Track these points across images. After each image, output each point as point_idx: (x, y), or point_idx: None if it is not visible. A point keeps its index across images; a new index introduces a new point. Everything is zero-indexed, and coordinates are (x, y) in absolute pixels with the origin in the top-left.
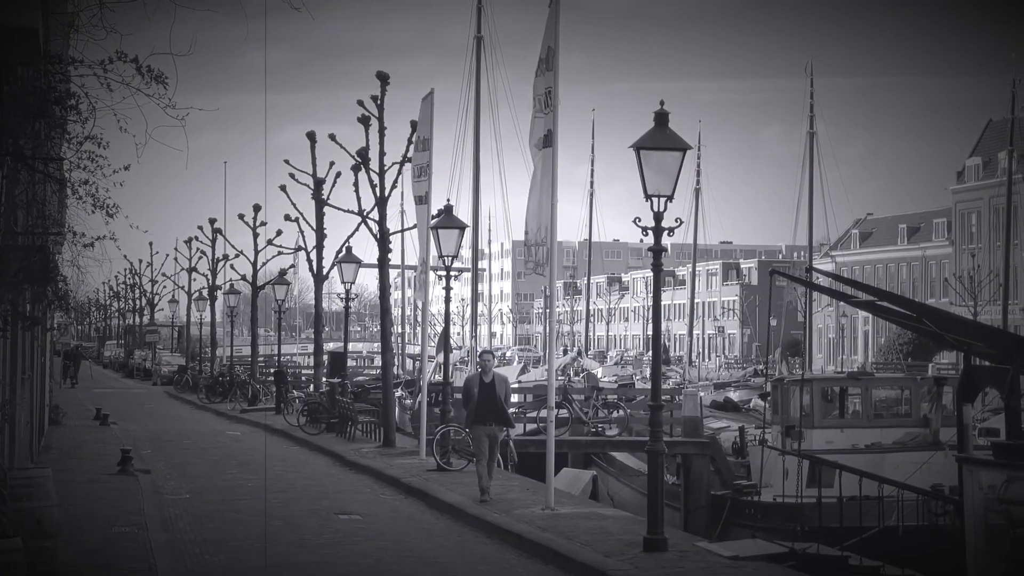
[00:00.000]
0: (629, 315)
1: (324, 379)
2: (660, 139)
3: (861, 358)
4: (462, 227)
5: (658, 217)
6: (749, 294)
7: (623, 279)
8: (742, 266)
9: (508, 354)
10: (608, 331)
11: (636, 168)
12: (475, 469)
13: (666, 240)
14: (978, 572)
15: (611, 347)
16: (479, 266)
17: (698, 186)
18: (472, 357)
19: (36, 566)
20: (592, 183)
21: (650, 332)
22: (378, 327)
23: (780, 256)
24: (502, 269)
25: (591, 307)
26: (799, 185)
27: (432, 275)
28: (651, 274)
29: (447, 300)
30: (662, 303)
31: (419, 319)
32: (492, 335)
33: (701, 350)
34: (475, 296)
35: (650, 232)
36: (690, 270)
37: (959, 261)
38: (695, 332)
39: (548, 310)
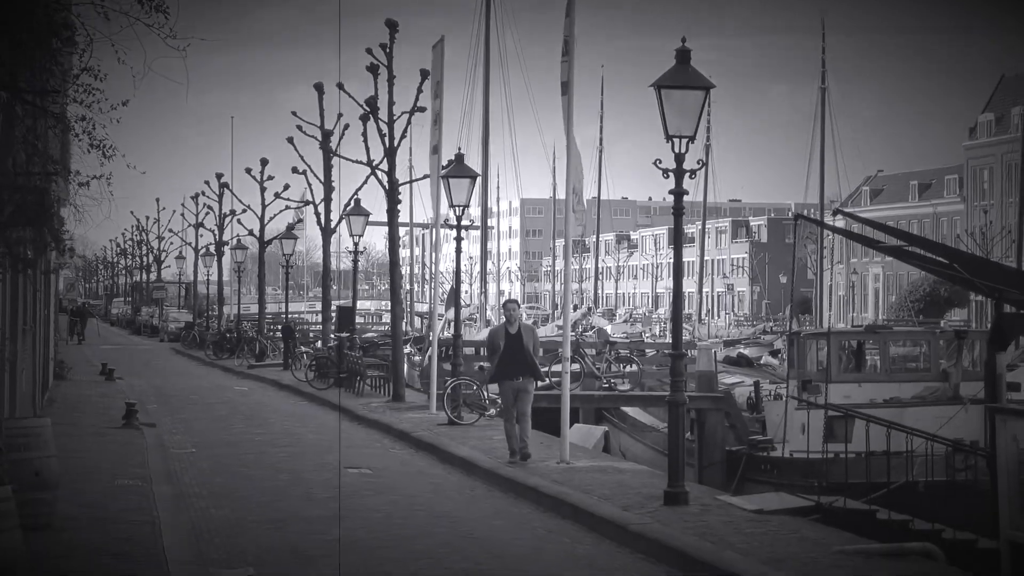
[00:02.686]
0: (638, 273)
1: (332, 334)
2: (682, 77)
3: (871, 316)
4: (473, 176)
5: (679, 158)
6: (759, 251)
7: (632, 237)
8: (752, 223)
9: None
10: (617, 289)
11: (644, 125)
12: (489, 423)
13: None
14: (1011, 525)
15: (620, 305)
16: (487, 224)
17: (708, 142)
18: (481, 314)
19: (33, 517)
20: (601, 140)
21: (659, 290)
22: (386, 286)
23: (789, 213)
24: (510, 227)
25: (600, 265)
26: (811, 141)
27: (443, 232)
28: (660, 232)
29: (458, 251)
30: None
31: (428, 276)
32: (500, 293)
33: (711, 308)
34: (484, 253)
35: (671, 174)
36: (700, 227)
37: (971, 218)
38: (704, 290)
39: (565, 250)
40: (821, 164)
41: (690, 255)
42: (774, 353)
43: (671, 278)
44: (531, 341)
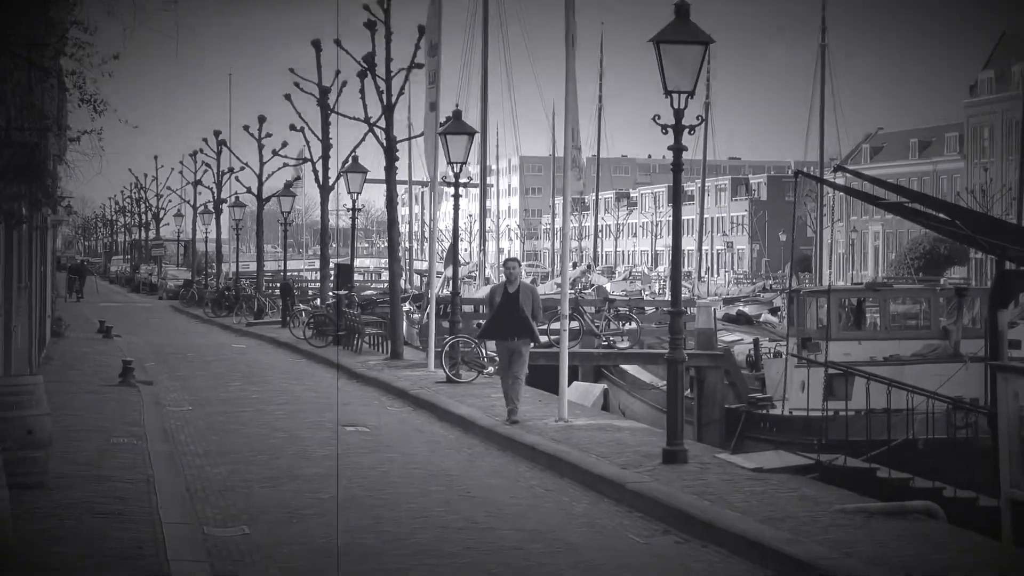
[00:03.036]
0: (637, 231)
1: (330, 292)
2: (681, 32)
3: (871, 273)
4: (471, 133)
5: (678, 114)
6: (758, 209)
7: (631, 195)
8: (751, 181)
9: None
10: (616, 247)
11: (644, 83)
12: (488, 381)
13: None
14: (1012, 483)
15: (619, 263)
16: (487, 182)
17: (708, 100)
18: (480, 272)
19: (26, 476)
20: (600, 98)
21: (659, 248)
22: (385, 244)
23: (789, 171)
24: (509, 185)
25: (599, 223)
26: (811, 98)
27: (441, 189)
28: (659, 189)
29: (455, 209)
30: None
31: (427, 233)
32: (500, 251)
33: (710, 266)
34: (483, 211)
35: (670, 130)
36: (699, 185)
37: (971, 175)
38: (704, 248)
39: (564, 207)
40: (821, 122)
41: (689, 213)
42: (773, 311)
43: (670, 236)
44: (529, 302)
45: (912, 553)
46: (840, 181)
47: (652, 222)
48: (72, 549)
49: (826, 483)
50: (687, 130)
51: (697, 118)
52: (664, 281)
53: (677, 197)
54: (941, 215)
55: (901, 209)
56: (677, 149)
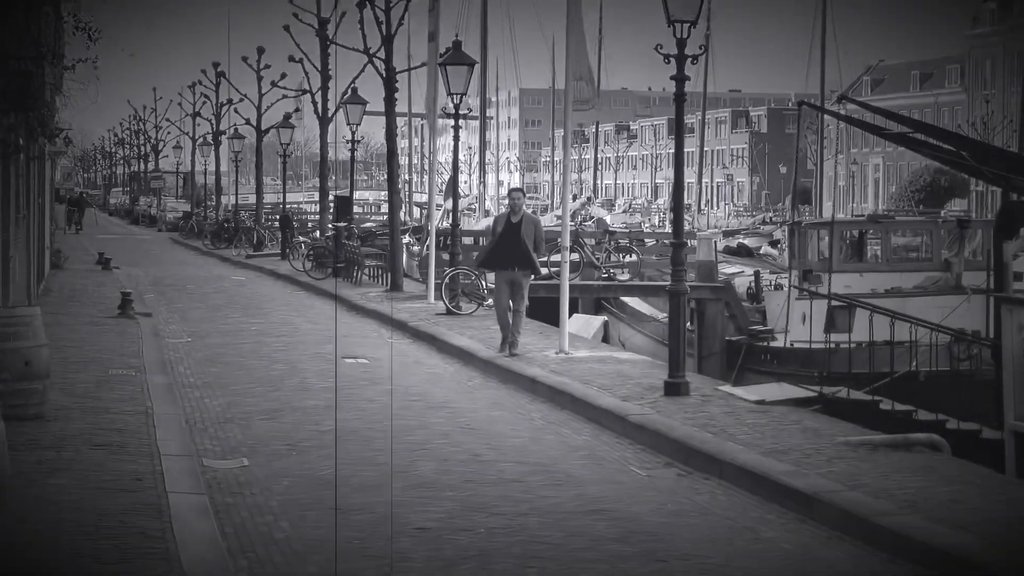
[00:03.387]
0: (637, 163)
1: (330, 223)
2: None
3: (871, 206)
4: (471, 63)
5: (681, 44)
6: (759, 142)
7: (631, 127)
8: (751, 114)
9: None
10: (616, 179)
11: (644, 14)
12: (488, 313)
13: (673, 88)
14: (1016, 415)
15: (619, 195)
16: (486, 114)
17: (708, 31)
18: (479, 204)
19: (23, 407)
20: (600, 30)
21: (658, 180)
22: (384, 176)
23: (789, 103)
24: (509, 117)
25: (599, 155)
26: (811, 30)
27: (440, 122)
28: (659, 122)
29: (455, 140)
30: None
31: (426, 166)
32: (500, 183)
33: (710, 198)
34: (483, 143)
35: (672, 60)
36: (700, 118)
37: (972, 108)
38: (704, 180)
39: (564, 139)
40: (822, 53)
41: (690, 145)
42: (773, 243)
43: (671, 168)
44: (532, 233)
45: (917, 486)
46: (846, 114)
47: (652, 155)
48: (70, 481)
49: (829, 416)
50: (689, 60)
51: (699, 47)
52: (664, 214)
53: (679, 128)
54: (947, 146)
55: (906, 140)
56: (679, 79)
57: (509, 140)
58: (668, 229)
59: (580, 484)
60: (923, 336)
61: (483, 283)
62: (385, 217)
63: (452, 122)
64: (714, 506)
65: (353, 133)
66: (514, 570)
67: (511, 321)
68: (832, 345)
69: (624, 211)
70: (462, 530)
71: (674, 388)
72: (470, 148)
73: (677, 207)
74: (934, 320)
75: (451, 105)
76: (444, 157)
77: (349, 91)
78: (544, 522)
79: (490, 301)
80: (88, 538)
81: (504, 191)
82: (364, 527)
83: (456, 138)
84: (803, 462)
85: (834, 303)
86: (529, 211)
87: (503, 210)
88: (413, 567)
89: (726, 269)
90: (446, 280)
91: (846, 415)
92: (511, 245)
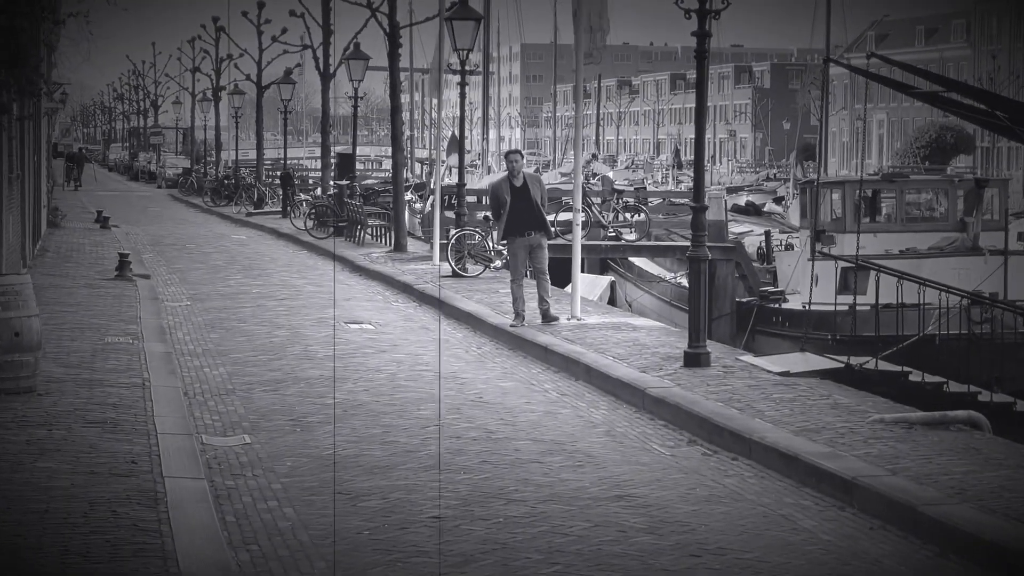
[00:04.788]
0: (639, 119)
1: (332, 181)
2: None
3: (875, 163)
4: (478, 18)
5: None
6: (762, 97)
7: (633, 83)
8: (754, 69)
9: None
10: (618, 135)
11: None
12: (495, 276)
13: (676, 43)
14: None
15: (621, 151)
16: (488, 69)
17: None
18: (482, 160)
19: (14, 381)
20: None
21: (660, 136)
22: (384, 132)
23: (792, 59)
24: (510, 72)
25: (601, 111)
26: None
27: (443, 77)
28: (661, 77)
29: (462, 96)
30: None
31: (427, 121)
32: (501, 139)
33: (713, 154)
34: (486, 98)
35: (693, 15)
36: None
37: (978, 63)
38: (707, 136)
39: (577, 94)
40: (827, 7)
41: (690, 101)
42: (778, 200)
43: (673, 124)
44: (538, 192)
45: (963, 470)
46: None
47: (654, 111)
48: (60, 464)
49: (857, 388)
50: (711, 15)
51: (723, 1)
52: (667, 170)
53: (702, 86)
54: (980, 105)
55: (935, 99)
56: (701, 35)
57: (510, 95)
58: (672, 186)
59: (602, 465)
60: (939, 299)
61: (489, 244)
62: (385, 174)
63: (457, 78)
64: (745, 491)
65: (356, 90)
66: (537, 566)
67: (539, 285)
68: (845, 307)
69: (627, 167)
70: (479, 519)
71: (694, 359)
72: (471, 103)
73: (698, 168)
74: (950, 282)
75: (457, 61)
76: (446, 112)
77: (351, 46)
78: (567, 510)
79: (497, 263)
80: (78, 532)
81: (504, 148)
82: (374, 515)
83: (463, 95)
84: (838, 442)
85: (847, 264)
86: (530, 170)
87: (500, 174)
88: (427, 563)
89: (735, 228)
90: (452, 241)
91: (874, 386)
92: (523, 210)
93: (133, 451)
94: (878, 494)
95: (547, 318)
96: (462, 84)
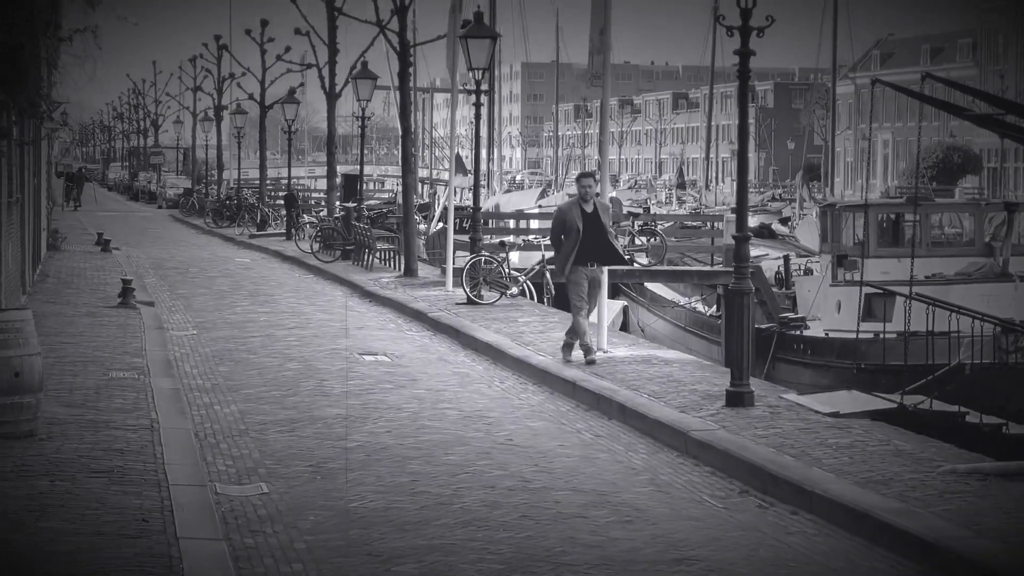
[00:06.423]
0: (641, 138)
1: (338, 203)
2: None
3: (881, 183)
4: (494, 36)
5: (746, 14)
6: (765, 117)
7: (635, 102)
8: (758, 88)
9: (518, 178)
10: (620, 155)
11: None
12: (511, 303)
13: (677, 62)
14: None
15: (623, 171)
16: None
17: (716, 3)
18: (488, 181)
19: (14, 424)
20: (606, 3)
21: (663, 156)
22: (385, 151)
23: (795, 78)
24: (511, 91)
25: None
26: (823, 3)
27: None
28: (663, 96)
29: (477, 117)
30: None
31: (426, 142)
32: (502, 158)
33: (716, 174)
34: (492, 117)
35: (735, 32)
36: (705, 92)
37: (984, 83)
38: (710, 156)
39: (603, 112)
40: (834, 26)
41: (695, 120)
42: (783, 221)
43: (675, 143)
44: (608, 220)
45: None
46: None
47: (656, 130)
48: (63, 523)
49: (914, 431)
50: (755, 32)
51: (767, 18)
52: (670, 191)
53: (744, 105)
54: None
55: (990, 121)
56: (744, 54)
57: (511, 114)
58: (677, 208)
59: (652, 521)
60: (967, 326)
61: (506, 269)
62: (389, 194)
63: (473, 97)
64: (812, 552)
65: (363, 110)
66: None
67: (574, 321)
68: (868, 335)
69: (629, 187)
70: None
71: (737, 398)
72: (470, 123)
73: (741, 194)
74: (979, 308)
75: (472, 80)
76: (446, 132)
77: (359, 65)
78: None
79: (514, 290)
80: None
81: (506, 167)
82: None
83: (478, 116)
84: (909, 496)
85: (870, 291)
86: (604, 198)
87: (565, 199)
88: None
89: (751, 252)
90: (467, 266)
91: (932, 430)
92: (595, 239)
93: (143, 506)
94: (965, 560)
95: (588, 356)
96: (477, 104)
